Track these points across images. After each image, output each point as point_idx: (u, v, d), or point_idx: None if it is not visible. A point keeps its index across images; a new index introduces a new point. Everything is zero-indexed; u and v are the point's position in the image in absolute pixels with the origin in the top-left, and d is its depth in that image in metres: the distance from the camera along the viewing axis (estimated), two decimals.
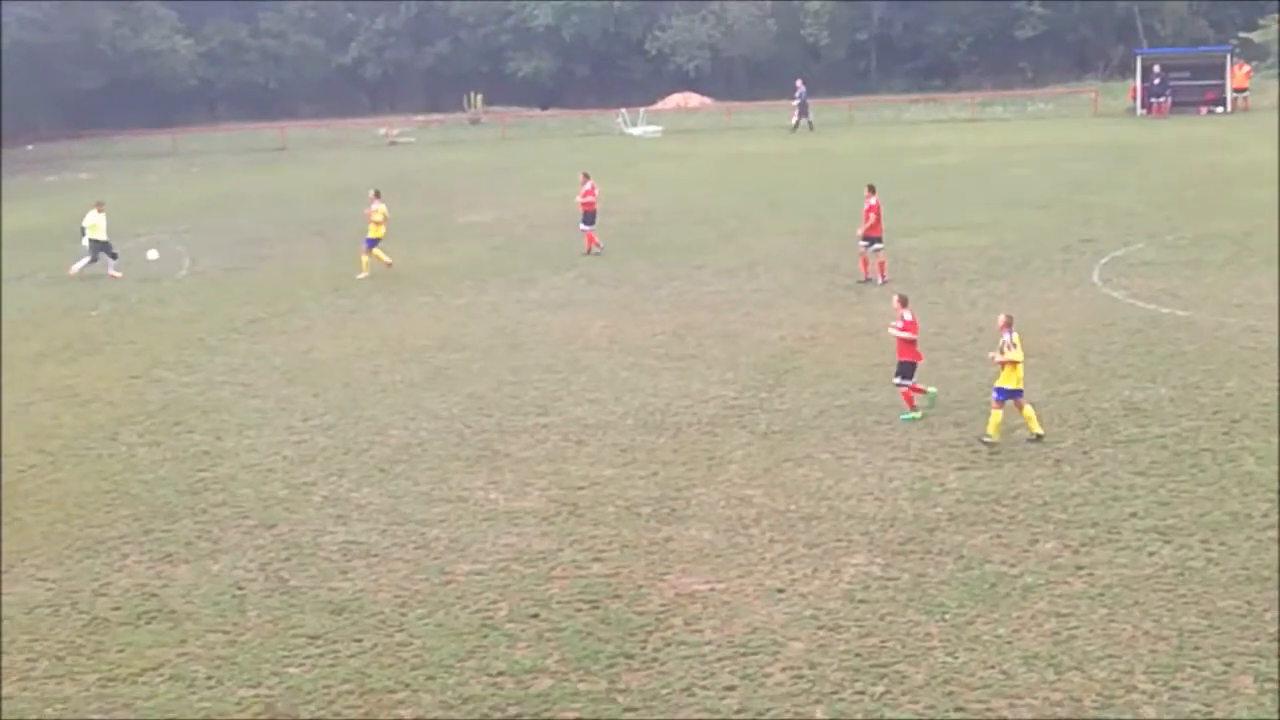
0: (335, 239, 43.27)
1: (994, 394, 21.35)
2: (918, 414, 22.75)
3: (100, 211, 39.22)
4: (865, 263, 33.21)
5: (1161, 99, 67.07)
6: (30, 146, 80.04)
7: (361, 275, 36.59)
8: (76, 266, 39.14)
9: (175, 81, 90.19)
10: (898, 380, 23.13)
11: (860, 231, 33.07)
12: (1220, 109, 66.96)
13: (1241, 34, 74.36)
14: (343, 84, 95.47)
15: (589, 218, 38.66)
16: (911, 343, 22.94)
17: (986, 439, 21.16)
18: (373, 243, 36.83)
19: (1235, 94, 67.17)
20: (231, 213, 50.06)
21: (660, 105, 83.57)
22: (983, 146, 58.39)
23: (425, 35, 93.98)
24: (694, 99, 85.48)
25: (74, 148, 78.84)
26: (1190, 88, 67.67)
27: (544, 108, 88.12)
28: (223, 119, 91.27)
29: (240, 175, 64.67)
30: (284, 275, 37.21)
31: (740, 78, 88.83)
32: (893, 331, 23.22)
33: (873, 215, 32.58)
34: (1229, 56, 68.43)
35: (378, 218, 36.76)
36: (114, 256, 39.18)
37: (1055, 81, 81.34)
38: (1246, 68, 69.08)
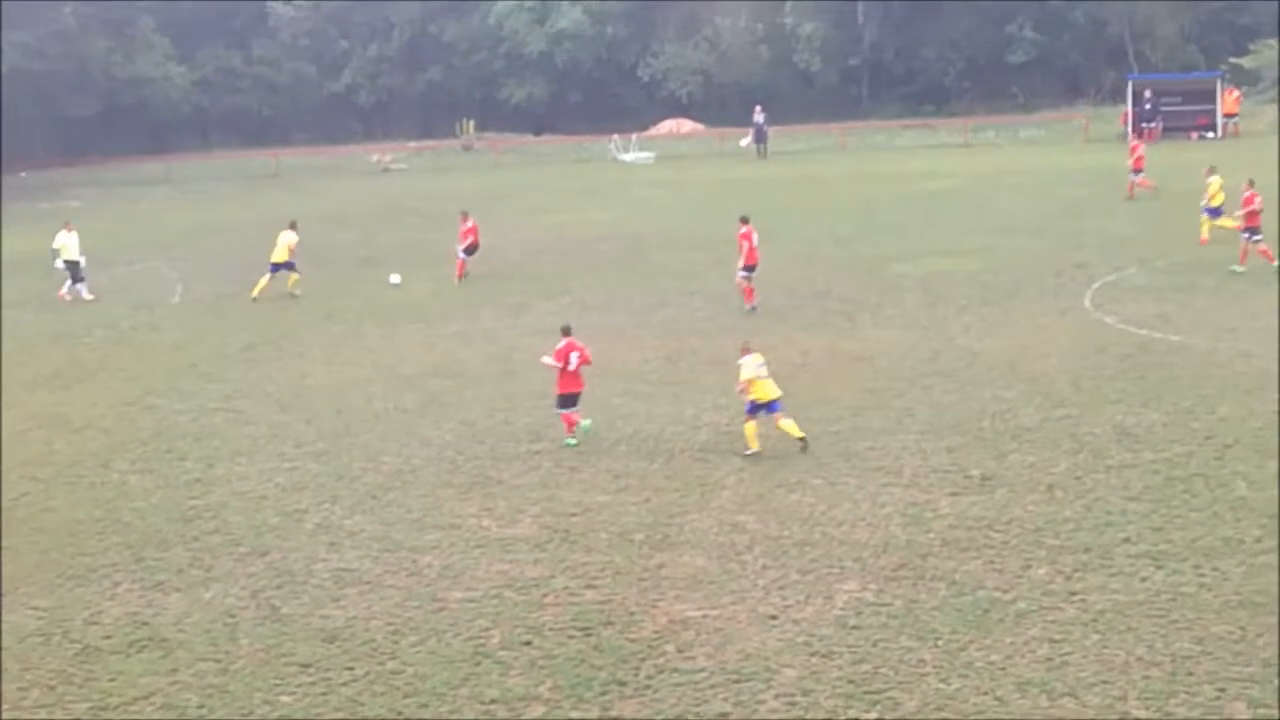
0: (328, 265, 43.24)
1: (746, 408, 22.68)
2: (577, 436, 23.51)
3: (70, 231, 39.73)
4: (749, 292, 33.75)
5: (1152, 124, 67.32)
6: (24, 174, 79.99)
7: (254, 296, 37.97)
8: (64, 290, 39.55)
9: (169, 108, 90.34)
10: (558, 410, 23.81)
11: (740, 262, 33.73)
12: (1211, 134, 67.18)
13: (1232, 59, 74.60)
14: (336, 111, 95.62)
15: (470, 249, 39.91)
16: (563, 372, 23.42)
17: (748, 452, 22.36)
18: (287, 266, 38.38)
19: (1226, 119, 67.42)
20: (225, 239, 50.12)
21: (653, 131, 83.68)
22: (975, 172, 58.52)
23: (418, 62, 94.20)
24: (686, 124, 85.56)
25: (68, 174, 78.81)
26: (1181, 113, 67.90)
27: (537, 134, 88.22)
28: (216, 146, 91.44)
29: (233, 202, 64.70)
30: (277, 301, 37.20)
31: (733, 103, 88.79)
32: (544, 360, 23.98)
33: (745, 244, 33.31)
34: (1219, 82, 68.68)
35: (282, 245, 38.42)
36: (78, 280, 39.67)
37: (1047, 107, 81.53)
38: (1237, 93, 69.39)
